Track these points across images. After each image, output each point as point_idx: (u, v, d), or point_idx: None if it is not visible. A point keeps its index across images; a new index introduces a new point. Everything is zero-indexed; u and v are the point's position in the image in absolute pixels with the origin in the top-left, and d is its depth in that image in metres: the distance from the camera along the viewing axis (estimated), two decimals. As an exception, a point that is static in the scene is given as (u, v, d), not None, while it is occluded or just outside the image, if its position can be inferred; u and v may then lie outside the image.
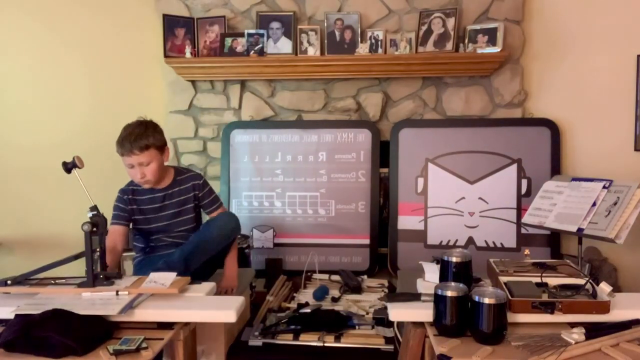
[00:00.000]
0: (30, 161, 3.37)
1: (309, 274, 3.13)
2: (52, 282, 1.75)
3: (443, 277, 1.66)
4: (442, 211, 3.35)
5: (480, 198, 3.30)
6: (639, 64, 3.08)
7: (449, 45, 3.25)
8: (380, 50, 3.29)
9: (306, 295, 2.77)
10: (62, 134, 3.39)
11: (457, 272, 1.61)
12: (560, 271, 1.68)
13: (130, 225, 2.46)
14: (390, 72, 3.33)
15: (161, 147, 2.36)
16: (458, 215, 3.32)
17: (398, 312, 1.56)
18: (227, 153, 3.46)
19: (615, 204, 2.50)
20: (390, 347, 2.18)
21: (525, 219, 2.86)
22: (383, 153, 3.42)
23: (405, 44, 3.26)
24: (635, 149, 3.12)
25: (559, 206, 2.74)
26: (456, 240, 3.31)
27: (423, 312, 1.53)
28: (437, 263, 3.12)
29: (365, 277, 3.09)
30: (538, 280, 1.60)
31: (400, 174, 3.39)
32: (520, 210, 3.25)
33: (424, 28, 3.30)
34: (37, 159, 3.37)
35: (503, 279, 1.61)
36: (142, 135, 2.28)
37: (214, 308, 1.58)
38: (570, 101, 3.28)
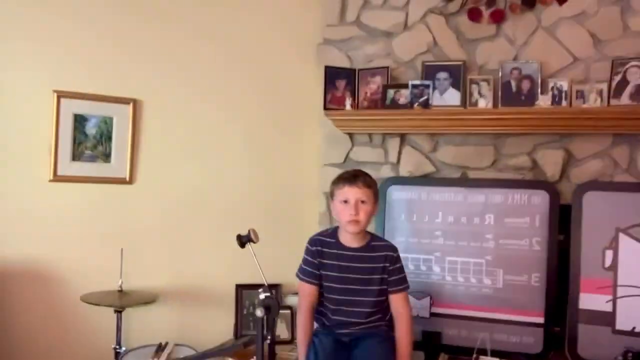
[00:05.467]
0: (186, 213, 3.34)
1: (474, 356, 2.75)
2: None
3: None
4: (636, 291, 2.82)
5: (687, 279, 2.75)
6: None
7: (650, 98, 2.79)
8: (564, 103, 2.90)
9: (479, 385, 2.40)
10: (216, 186, 3.35)
11: None
12: None
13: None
14: (576, 127, 2.92)
15: (377, 197, 2.33)
16: (658, 297, 2.78)
17: None
18: (383, 210, 3.21)
19: None
20: None
21: None
22: (562, 219, 2.99)
23: (596, 95, 2.84)
24: None
25: None
26: (654, 328, 2.77)
27: None
28: (630, 356, 2.67)
29: (545, 366, 2.65)
30: None
31: (584, 244, 2.92)
32: None
33: (617, 78, 2.86)
34: (192, 212, 3.33)
35: None
36: (368, 175, 2.32)
37: None
38: None
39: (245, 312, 3.31)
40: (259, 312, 1.53)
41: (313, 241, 2.35)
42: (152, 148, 3.21)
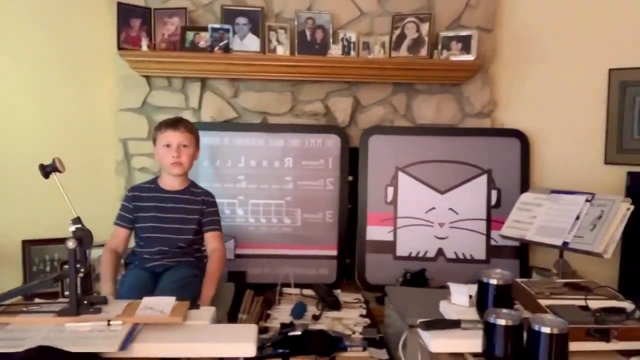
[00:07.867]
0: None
1: (278, 288, 2.92)
2: (24, 309, 1.44)
3: (481, 302, 1.52)
4: (412, 221, 3.25)
5: (450, 209, 3.24)
6: (610, 76, 3.14)
7: (424, 51, 3.16)
8: (353, 53, 3.15)
9: (282, 313, 2.57)
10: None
11: (498, 297, 1.47)
12: (597, 293, 1.60)
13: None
14: (363, 76, 3.20)
15: (198, 142, 2.47)
16: (428, 225, 3.24)
17: (440, 343, 1.39)
18: (185, 156, 3.17)
19: (599, 217, 2.49)
20: (388, 370, 2.03)
21: (505, 231, 2.80)
22: (352, 160, 3.28)
23: (380, 47, 3.14)
24: (605, 162, 3.18)
25: (539, 219, 2.70)
26: (426, 252, 3.22)
27: (467, 342, 1.38)
28: (408, 275, 3.09)
29: (339, 291, 2.91)
30: (580, 303, 1.51)
31: (370, 182, 3.26)
32: (490, 221, 3.22)
33: (397, 32, 3.19)
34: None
35: (544, 302, 1.51)
36: (190, 122, 2.46)
37: (228, 340, 1.35)
38: (540, 112, 3.30)
39: (35, 269, 3.06)
40: (71, 244, 1.44)
41: (131, 188, 2.47)
42: None
